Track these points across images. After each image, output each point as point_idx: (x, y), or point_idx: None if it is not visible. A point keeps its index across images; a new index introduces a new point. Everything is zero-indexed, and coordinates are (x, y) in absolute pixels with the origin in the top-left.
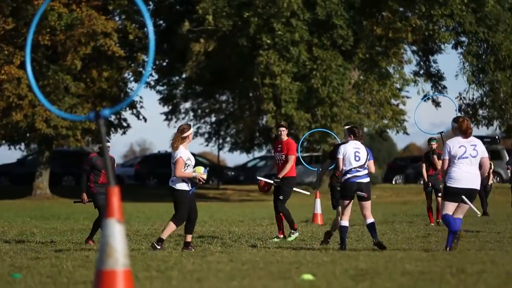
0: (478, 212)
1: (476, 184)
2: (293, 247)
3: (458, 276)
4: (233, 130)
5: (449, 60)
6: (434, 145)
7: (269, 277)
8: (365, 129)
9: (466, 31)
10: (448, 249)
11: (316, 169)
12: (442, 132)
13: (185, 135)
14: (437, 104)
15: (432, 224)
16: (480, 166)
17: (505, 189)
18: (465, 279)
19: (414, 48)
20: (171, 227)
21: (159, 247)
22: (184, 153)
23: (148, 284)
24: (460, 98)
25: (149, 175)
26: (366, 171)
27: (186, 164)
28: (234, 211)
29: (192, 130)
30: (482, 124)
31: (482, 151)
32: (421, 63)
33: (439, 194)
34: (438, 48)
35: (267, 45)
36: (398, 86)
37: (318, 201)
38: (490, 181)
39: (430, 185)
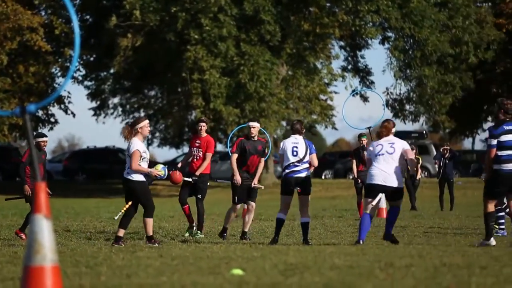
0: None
1: (391, 182)
2: (223, 242)
3: (386, 270)
4: (162, 126)
5: (376, 56)
6: (364, 141)
7: (198, 273)
8: None
9: (393, 27)
10: (361, 242)
11: None
12: (370, 127)
13: (136, 126)
14: (365, 99)
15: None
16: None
17: (433, 183)
18: (393, 273)
19: (342, 43)
20: (148, 222)
21: (156, 244)
22: (140, 146)
23: (77, 280)
24: (388, 93)
25: (78, 170)
26: (305, 166)
27: (142, 157)
28: (164, 206)
29: (145, 122)
30: (409, 119)
31: (399, 146)
32: (349, 58)
33: None
34: (365, 43)
35: (195, 40)
36: (326, 81)
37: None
38: (418, 176)
39: (359, 181)
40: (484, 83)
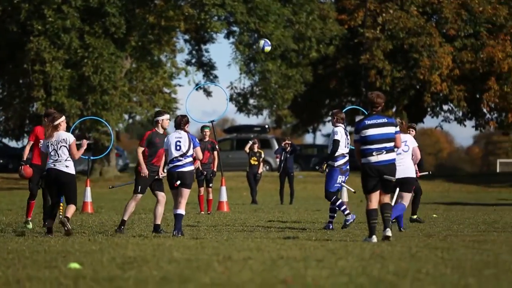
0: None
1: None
2: (62, 236)
3: (224, 263)
4: (3, 117)
5: (221, 49)
6: (207, 132)
7: (34, 266)
8: (138, 118)
9: (238, 21)
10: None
11: (86, 157)
12: (213, 120)
13: (56, 123)
14: (208, 93)
15: (202, 212)
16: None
17: (274, 177)
18: (231, 266)
19: (187, 37)
20: (72, 209)
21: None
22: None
23: None
24: (232, 88)
25: None
26: (188, 160)
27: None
28: (3, 199)
29: (63, 118)
30: (252, 113)
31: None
32: (193, 52)
33: (210, 185)
34: (210, 37)
35: (38, 31)
36: (170, 74)
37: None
38: (260, 170)
39: (204, 173)
40: (326, 78)
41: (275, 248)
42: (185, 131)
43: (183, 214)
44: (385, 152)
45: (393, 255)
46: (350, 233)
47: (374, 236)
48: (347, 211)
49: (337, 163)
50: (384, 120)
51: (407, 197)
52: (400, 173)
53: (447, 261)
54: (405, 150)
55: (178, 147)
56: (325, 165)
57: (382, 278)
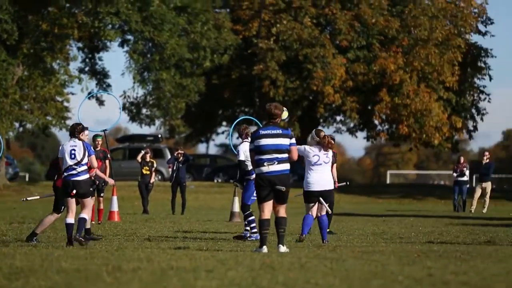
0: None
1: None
2: None
3: (113, 274)
4: None
5: (115, 58)
6: (99, 142)
7: None
8: (28, 126)
9: (132, 30)
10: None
11: None
12: (105, 129)
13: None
14: (101, 102)
15: (93, 222)
16: None
17: (166, 187)
18: (121, 277)
19: (80, 44)
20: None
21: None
22: None
23: None
24: (125, 97)
25: None
26: (83, 168)
27: None
28: None
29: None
30: (145, 123)
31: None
32: (87, 60)
33: (102, 194)
34: (104, 45)
35: None
36: (62, 82)
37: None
38: (152, 180)
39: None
40: (220, 88)
41: (165, 258)
42: (80, 139)
43: (86, 218)
44: (276, 162)
45: (282, 265)
46: (240, 243)
47: (264, 247)
48: (255, 230)
49: (252, 176)
50: (279, 131)
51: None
52: (321, 186)
53: (335, 272)
54: (326, 162)
55: (72, 156)
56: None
57: None
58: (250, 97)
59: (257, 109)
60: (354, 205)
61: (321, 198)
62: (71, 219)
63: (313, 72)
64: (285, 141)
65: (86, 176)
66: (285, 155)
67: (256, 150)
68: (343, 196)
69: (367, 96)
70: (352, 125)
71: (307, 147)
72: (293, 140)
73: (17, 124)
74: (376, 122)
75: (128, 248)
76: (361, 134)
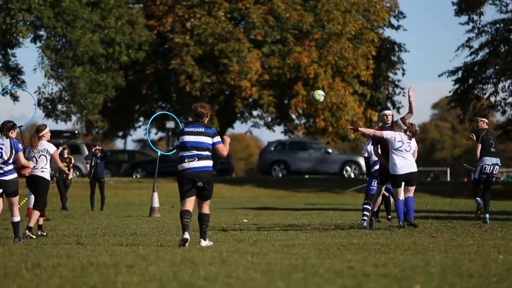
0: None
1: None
2: None
3: (33, 271)
4: None
5: (28, 54)
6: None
7: None
8: None
9: (45, 26)
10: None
11: None
12: (21, 126)
13: (41, 134)
14: (15, 98)
15: None
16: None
17: (85, 183)
18: (40, 273)
19: None
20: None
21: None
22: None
23: None
24: (40, 93)
25: None
26: (10, 167)
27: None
28: None
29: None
30: (61, 119)
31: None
32: (0, 56)
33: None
34: (17, 41)
35: None
36: None
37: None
38: (70, 176)
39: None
40: (136, 83)
41: (85, 254)
42: (8, 137)
43: (19, 220)
44: (197, 159)
45: (203, 260)
46: (161, 238)
47: (186, 233)
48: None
49: (375, 167)
50: (201, 129)
51: (412, 190)
52: (406, 169)
53: (256, 266)
54: (407, 150)
55: (0, 154)
56: None
57: (193, 283)
58: (167, 92)
59: (174, 104)
60: (273, 199)
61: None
62: (16, 218)
63: (229, 67)
64: (207, 139)
65: (14, 175)
66: (206, 153)
67: (180, 147)
68: (262, 190)
69: (283, 90)
70: (269, 119)
71: (395, 133)
72: (217, 139)
73: None
74: (293, 116)
75: (47, 244)
76: (279, 128)
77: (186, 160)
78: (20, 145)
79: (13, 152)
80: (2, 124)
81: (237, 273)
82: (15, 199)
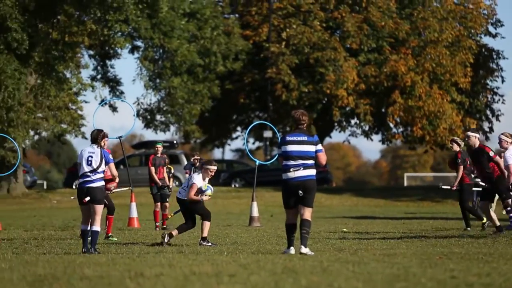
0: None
1: None
2: None
3: (136, 280)
4: None
5: (126, 65)
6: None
7: None
8: (44, 134)
9: (142, 37)
10: None
11: None
12: (121, 136)
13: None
14: (114, 109)
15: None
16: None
17: None
18: (143, 283)
19: (91, 52)
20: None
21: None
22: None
23: None
24: (138, 103)
25: None
26: (99, 176)
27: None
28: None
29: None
30: (160, 129)
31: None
32: (98, 67)
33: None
34: (115, 53)
35: None
36: (75, 90)
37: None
38: (171, 185)
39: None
40: (233, 93)
41: (187, 263)
42: (100, 146)
43: (99, 231)
44: (302, 168)
45: (305, 269)
46: (261, 248)
47: (292, 247)
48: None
49: None
50: (304, 138)
51: None
52: None
53: (358, 275)
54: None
55: (89, 162)
56: None
57: None
58: (263, 102)
59: (271, 114)
60: (372, 208)
61: None
62: (85, 226)
63: (325, 76)
64: (310, 148)
65: (101, 183)
66: (311, 162)
67: (284, 156)
68: (361, 199)
69: (380, 98)
70: (367, 128)
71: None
72: (319, 147)
73: (32, 132)
74: (391, 124)
75: (149, 254)
76: (376, 137)
77: (291, 170)
78: (110, 156)
79: (103, 161)
80: (95, 133)
81: (339, 282)
82: (99, 208)
